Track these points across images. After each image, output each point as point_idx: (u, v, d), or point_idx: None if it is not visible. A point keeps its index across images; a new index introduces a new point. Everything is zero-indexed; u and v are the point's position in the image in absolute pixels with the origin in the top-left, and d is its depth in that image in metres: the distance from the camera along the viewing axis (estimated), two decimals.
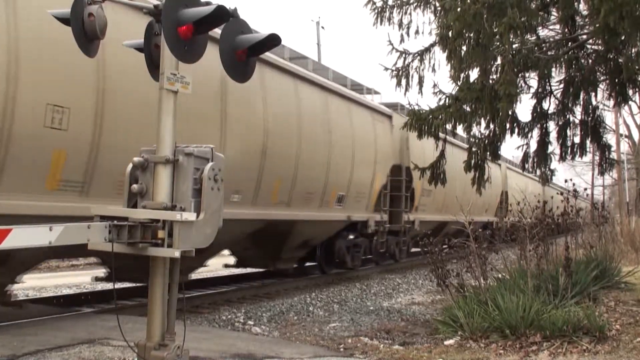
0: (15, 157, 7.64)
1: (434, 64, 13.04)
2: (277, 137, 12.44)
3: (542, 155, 14.08)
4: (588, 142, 14.21)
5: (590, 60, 12.98)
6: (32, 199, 7.94)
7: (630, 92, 13.11)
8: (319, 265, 17.54)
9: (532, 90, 13.79)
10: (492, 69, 12.10)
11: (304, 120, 13.65)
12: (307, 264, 17.80)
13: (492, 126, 13.06)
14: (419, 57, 13.13)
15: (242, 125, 11.52)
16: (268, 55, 11.97)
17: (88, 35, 4.81)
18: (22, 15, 7.57)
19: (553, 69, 12.77)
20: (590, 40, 12.35)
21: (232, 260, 15.79)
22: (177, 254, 4.71)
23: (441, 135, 13.39)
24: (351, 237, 16.94)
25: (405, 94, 13.24)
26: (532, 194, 20.39)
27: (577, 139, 14.11)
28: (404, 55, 13.20)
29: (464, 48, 11.57)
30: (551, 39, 13.32)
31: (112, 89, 8.64)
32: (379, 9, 12.99)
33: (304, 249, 15.89)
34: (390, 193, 18.33)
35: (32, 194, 7.96)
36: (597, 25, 9.49)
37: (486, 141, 13.27)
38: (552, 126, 14.20)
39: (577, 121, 14.09)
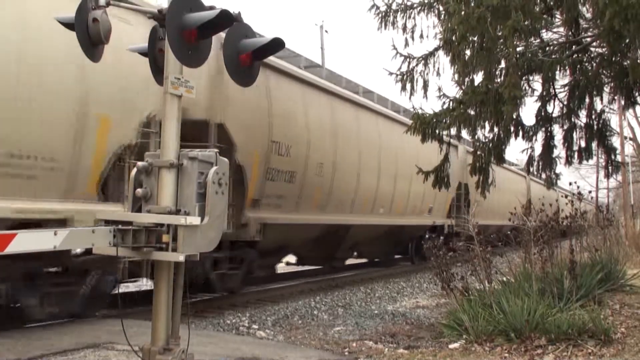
0: None
1: (438, 68, 13.03)
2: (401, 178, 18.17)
3: (547, 159, 14.06)
4: (594, 145, 14.18)
5: (594, 64, 12.96)
6: None
7: (636, 94, 13.07)
8: (410, 257, 22.73)
9: (537, 93, 13.78)
10: (497, 72, 12.10)
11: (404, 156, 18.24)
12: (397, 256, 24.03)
13: (496, 129, 13.06)
14: (423, 61, 13.13)
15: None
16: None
17: (92, 40, 4.83)
18: None
19: (557, 72, 12.75)
20: (595, 43, 12.34)
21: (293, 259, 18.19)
22: (181, 258, 4.72)
23: (445, 138, 13.39)
24: (433, 236, 17.93)
25: (410, 98, 13.23)
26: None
27: (582, 143, 14.10)
28: (408, 59, 13.20)
29: (468, 52, 11.57)
30: (555, 42, 13.30)
31: None
32: (383, 14, 12.99)
33: (402, 245, 21.80)
34: (457, 203, 23.18)
35: None
36: (602, 28, 9.48)
37: (491, 144, 13.27)
38: (556, 129, 14.20)
39: (582, 124, 14.07)
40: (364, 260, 22.84)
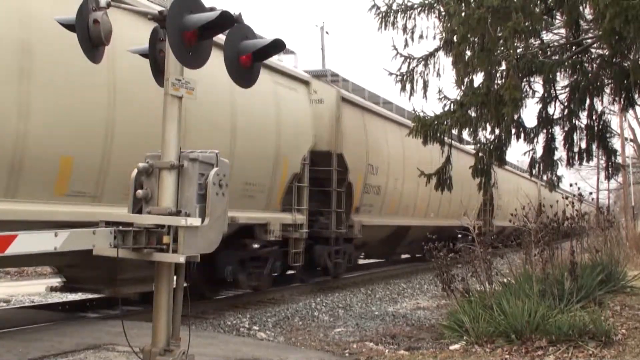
0: None
1: (438, 69, 13.06)
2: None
3: (548, 161, 14.05)
4: (594, 147, 14.17)
5: (595, 65, 12.96)
6: None
7: (636, 96, 13.07)
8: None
9: (538, 95, 13.79)
10: (497, 74, 12.10)
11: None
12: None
13: (497, 131, 13.06)
14: (423, 62, 13.15)
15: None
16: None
17: (93, 42, 4.82)
18: None
19: (558, 74, 12.76)
20: (595, 45, 12.34)
21: None
22: (182, 259, 4.72)
23: (447, 140, 13.41)
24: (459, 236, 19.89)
25: (409, 98, 13.27)
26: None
27: (583, 144, 14.09)
28: (408, 60, 13.23)
29: (469, 53, 11.58)
30: (555, 44, 13.31)
31: None
32: (383, 14, 13.01)
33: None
34: (484, 208, 26.91)
35: None
36: (603, 29, 9.48)
37: (492, 146, 13.27)
38: (557, 131, 14.19)
39: (583, 126, 14.06)
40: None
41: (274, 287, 14.55)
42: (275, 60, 12.93)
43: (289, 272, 15.79)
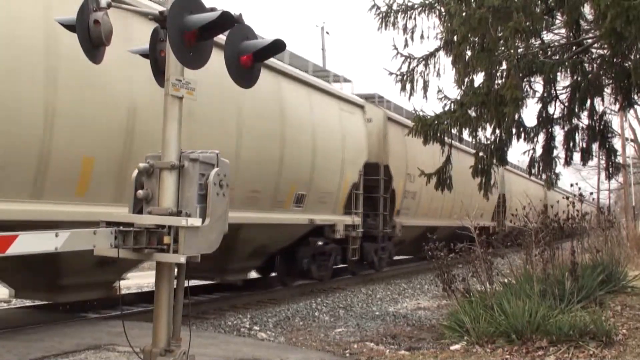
0: None
1: (438, 69, 13.05)
2: None
3: (547, 160, 14.06)
4: (594, 146, 14.17)
5: (595, 65, 12.95)
6: None
7: (636, 96, 13.07)
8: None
9: (538, 94, 13.78)
10: (498, 74, 12.09)
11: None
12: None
13: (498, 131, 13.06)
14: (423, 62, 13.14)
15: None
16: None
17: (93, 42, 4.82)
18: None
19: (558, 74, 12.75)
20: (596, 45, 12.33)
21: None
22: (182, 259, 4.71)
23: (447, 140, 13.40)
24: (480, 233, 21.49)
25: (409, 98, 13.26)
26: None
27: (583, 144, 14.09)
28: (408, 59, 13.22)
29: (469, 52, 11.57)
30: (556, 44, 13.30)
31: None
32: (384, 14, 13.00)
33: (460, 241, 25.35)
34: (497, 210, 29.49)
35: None
36: (603, 29, 9.47)
37: (492, 146, 13.26)
38: (557, 130, 14.19)
39: (583, 126, 14.06)
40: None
41: (332, 278, 17.07)
42: (337, 88, 16.46)
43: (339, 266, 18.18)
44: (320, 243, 15.63)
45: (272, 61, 12.05)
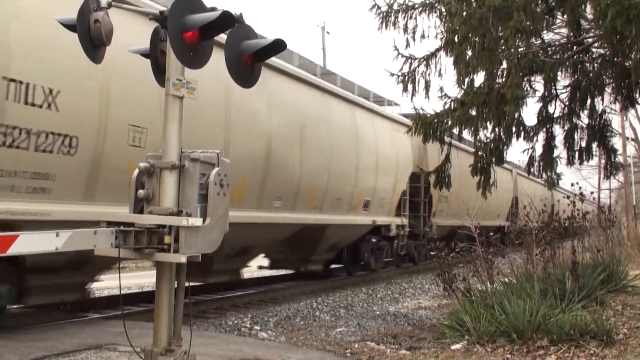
0: None
1: (440, 69, 13.04)
2: None
3: (547, 159, 14.04)
4: (594, 146, 14.16)
5: (596, 64, 12.95)
6: None
7: (637, 95, 13.06)
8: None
9: (538, 94, 13.78)
10: (498, 73, 12.09)
11: None
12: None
13: (497, 130, 13.05)
14: (424, 62, 13.14)
15: None
16: None
17: (94, 42, 4.82)
18: None
19: (559, 73, 12.75)
20: (596, 44, 12.33)
21: None
22: (183, 259, 4.71)
23: (447, 139, 13.39)
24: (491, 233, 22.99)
25: (411, 99, 13.26)
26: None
27: (583, 143, 14.08)
28: (409, 60, 13.21)
29: (470, 52, 11.57)
30: (556, 43, 13.30)
31: None
32: (384, 14, 13.00)
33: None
34: (511, 210, 32.21)
35: None
36: (604, 28, 9.47)
37: (492, 145, 13.26)
38: (557, 130, 14.18)
39: (583, 125, 14.05)
40: None
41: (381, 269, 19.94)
42: (389, 111, 19.77)
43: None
44: (374, 240, 18.56)
45: (347, 94, 16.09)
